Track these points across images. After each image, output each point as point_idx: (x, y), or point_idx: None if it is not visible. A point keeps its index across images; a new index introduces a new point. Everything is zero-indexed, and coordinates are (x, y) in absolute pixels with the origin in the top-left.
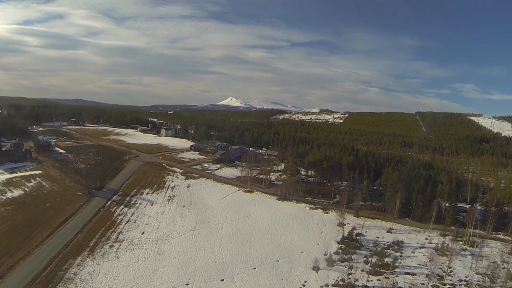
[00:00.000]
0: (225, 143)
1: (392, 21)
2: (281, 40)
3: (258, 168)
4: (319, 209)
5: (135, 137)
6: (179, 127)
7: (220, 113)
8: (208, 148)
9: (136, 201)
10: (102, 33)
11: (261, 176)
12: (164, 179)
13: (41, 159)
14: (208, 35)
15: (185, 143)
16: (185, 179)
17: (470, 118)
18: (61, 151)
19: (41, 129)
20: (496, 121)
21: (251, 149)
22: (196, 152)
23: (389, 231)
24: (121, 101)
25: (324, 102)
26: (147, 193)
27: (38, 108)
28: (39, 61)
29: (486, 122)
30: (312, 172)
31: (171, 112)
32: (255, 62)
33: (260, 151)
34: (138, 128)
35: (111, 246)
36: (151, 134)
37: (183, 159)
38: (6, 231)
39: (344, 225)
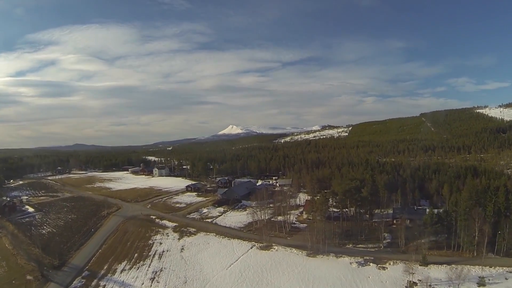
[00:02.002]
0: (226, 178)
1: (377, 26)
2: (272, 61)
3: (271, 206)
4: (371, 263)
5: (124, 181)
6: (176, 162)
7: (221, 143)
8: (208, 186)
9: (105, 286)
10: (95, 75)
11: (278, 218)
12: (150, 241)
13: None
14: (199, 66)
15: (181, 183)
16: (179, 238)
17: (477, 111)
18: (30, 210)
19: (21, 182)
20: (504, 110)
21: (259, 181)
22: (194, 193)
23: (481, 283)
24: (121, 142)
25: (323, 119)
26: (122, 270)
27: (19, 160)
28: (36, 110)
29: (494, 112)
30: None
31: (170, 148)
32: (249, 88)
33: (271, 181)
34: (130, 169)
35: None
36: (143, 175)
37: (177, 205)
38: None
39: (416, 284)
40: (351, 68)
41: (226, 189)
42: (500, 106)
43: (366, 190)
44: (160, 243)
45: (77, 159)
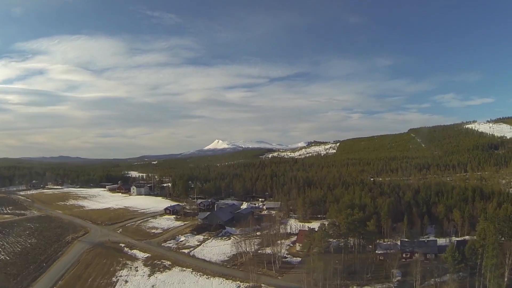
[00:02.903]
0: (209, 200)
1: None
2: (259, 77)
3: (258, 234)
4: None
5: (99, 199)
6: (157, 179)
7: (207, 158)
8: (188, 207)
9: None
10: (82, 86)
11: (267, 250)
12: (114, 278)
13: None
14: (186, 80)
15: (160, 203)
16: (149, 274)
17: (466, 126)
18: None
19: None
20: (493, 125)
21: (244, 204)
22: (172, 216)
23: None
24: (107, 155)
25: (309, 135)
26: None
27: None
28: (22, 119)
29: (483, 127)
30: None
31: (155, 163)
32: (235, 103)
33: (257, 203)
34: (107, 186)
35: None
36: (120, 193)
37: (152, 231)
38: None
39: None
40: (338, 84)
41: (207, 213)
42: (488, 122)
43: (372, 224)
44: (126, 282)
45: (55, 172)
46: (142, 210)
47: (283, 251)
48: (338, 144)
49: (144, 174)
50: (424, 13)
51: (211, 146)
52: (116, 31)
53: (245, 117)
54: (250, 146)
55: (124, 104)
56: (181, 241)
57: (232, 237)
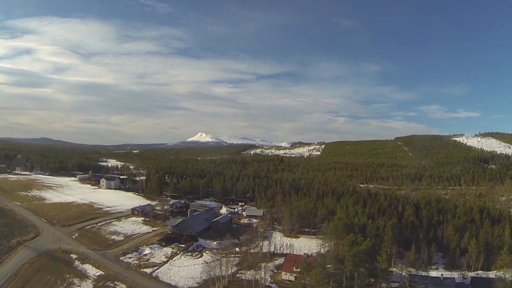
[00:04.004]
0: (183, 202)
1: (355, 48)
2: (247, 73)
3: (237, 250)
4: None
5: (65, 190)
6: (134, 171)
7: (189, 150)
8: (159, 208)
9: None
10: (69, 69)
11: (247, 275)
12: None
13: None
14: (174, 70)
15: (129, 200)
16: None
17: (454, 139)
18: None
19: None
20: (481, 139)
21: (224, 208)
22: (140, 219)
23: None
24: (90, 140)
25: (293, 135)
26: None
27: None
28: (6, 98)
29: (471, 141)
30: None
31: (136, 152)
32: (221, 98)
33: (236, 208)
34: (78, 176)
35: None
36: (89, 185)
37: (113, 237)
38: None
39: None
40: (325, 86)
41: (179, 220)
42: (476, 136)
43: (384, 260)
44: None
45: (25, 156)
46: (108, 208)
47: (266, 276)
48: (323, 146)
49: (122, 163)
50: (415, 23)
51: (194, 139)
52: (107, 16)
53: (231, 113)
54: (234, 142)
55: (111, 91)
56: (145, 254)
57: (205, 253)
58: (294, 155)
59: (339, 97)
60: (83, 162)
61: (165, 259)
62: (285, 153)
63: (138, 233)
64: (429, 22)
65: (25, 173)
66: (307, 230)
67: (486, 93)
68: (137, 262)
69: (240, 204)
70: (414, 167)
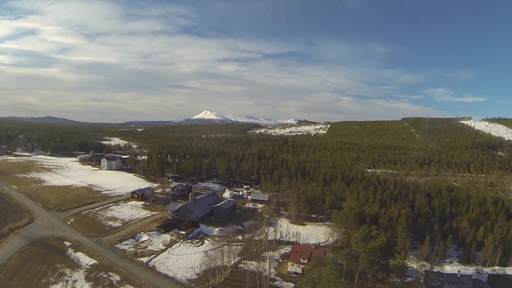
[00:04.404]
0: (184, 184)
1: (362, 29)
2: (253, 52)
3: (240, 238)
4: None
5: (65, 172)
6: (137, 150)
7: (194, 128)
8: (159, 191)
9: None
10: (74, 49)
11: (251, 266)
12: None
13: None
14: (180, 50)
15: (130, 182)
16: None
17: (461, 122)
18: None
19: None
20: (489, 124)
21: (226, 192)
22: (139, 203)
23: None
24: (95, 118)
25: (299, 113)
26: None
27: None
28: (12, 79)
29: (479, 125)
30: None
31: (141, 129)
32: (227, 76)
33: (241, 191)
34: (78, 156)
35: None
36: (90, 166)
37: (109, 223)
38: None
39: None
40: (332, 67)
41: (179, 205)
42: (484, 120)
43: (402, 257)
44: None
45: (28, 136)
46: (107, 192)
47: (271, 268)
48: (329, 125)
49: (125, 142)
50: (424, 5)
51: (199, 116)
52: None
53: (236, 91)
54: (239, 120)
55: (116, 70)
56: (142, 241)
57: (206, 240)
58: (301, 133)
59: (345, 78)
60: (85, 141)
61: (163, 247)
62: (290, 131)
63: (137, 219)
64: (437, 3)
65: (25, 154)
66: (314, 216)
67: (493, 78)
68: (133, 250)
69: (245, 187)
70: (422, 150)
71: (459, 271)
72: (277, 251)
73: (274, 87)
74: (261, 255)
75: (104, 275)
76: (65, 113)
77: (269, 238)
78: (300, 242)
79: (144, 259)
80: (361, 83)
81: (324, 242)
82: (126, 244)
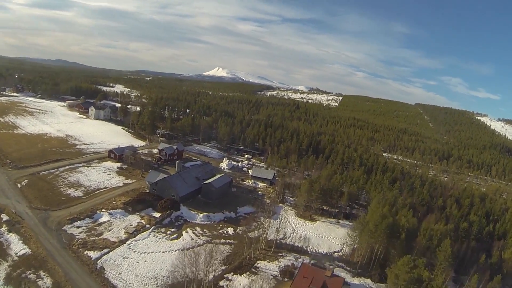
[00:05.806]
0: (175, 147)
1: (386, 5)
2: (273, 15)
3: (231, 232)
4: None
5: (46, 117)
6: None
7: (204, 83)
8: (145, 152)
9: None
10: None
11: (236, 285)
12: None
13: None
14: (199, 2)
15: (114, 137)
16: None
17: (477, 117)
18: None
19: None
20: (505, 125)
21: (224, 162)
22: (115, 166)
23: None
24: (106, 64)
25: (311, 81)
26: None
27: None
28: (25, 19)
29: (494, 125)
30: None
31: (149, 79)
32: (245, 35)
33: (241, 162)
34: (67, 101)
35: None
36: (77, 113)
37: (69, 191)
38: None
39: None
40: (349, 39)
41: (159, 176)
42: (500, 120)
43: None
44: None
45: (19, 76)
46: (83, 146)
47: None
48: (341, 97)
49: (128, 90)
50: None
51: (210, 73)
52: None
53: (252, 50)
54: (250, 80)
55: (132, 18)
56: (100, 223)
57: (184, 232)
58: (312, 101)
59: (362, 53)
60: (79, 86)
61: (124, 237)
62: (302, 98)
63: (105, 188)
64: None
65: (11, 94)
66: (326, 209)
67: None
68: (84, 236)
69: (246, 156)
70: (438, 142)
71: None
72: (277, 261)
73: (289, 51)
74: (255, 266)
75: (32, 276)
76: (77, 56)
77: (269, 237)
78: (309, 250)
79: (94, 254)
80: (376, 61)
81: (338, 251)
82: (77, 227)
